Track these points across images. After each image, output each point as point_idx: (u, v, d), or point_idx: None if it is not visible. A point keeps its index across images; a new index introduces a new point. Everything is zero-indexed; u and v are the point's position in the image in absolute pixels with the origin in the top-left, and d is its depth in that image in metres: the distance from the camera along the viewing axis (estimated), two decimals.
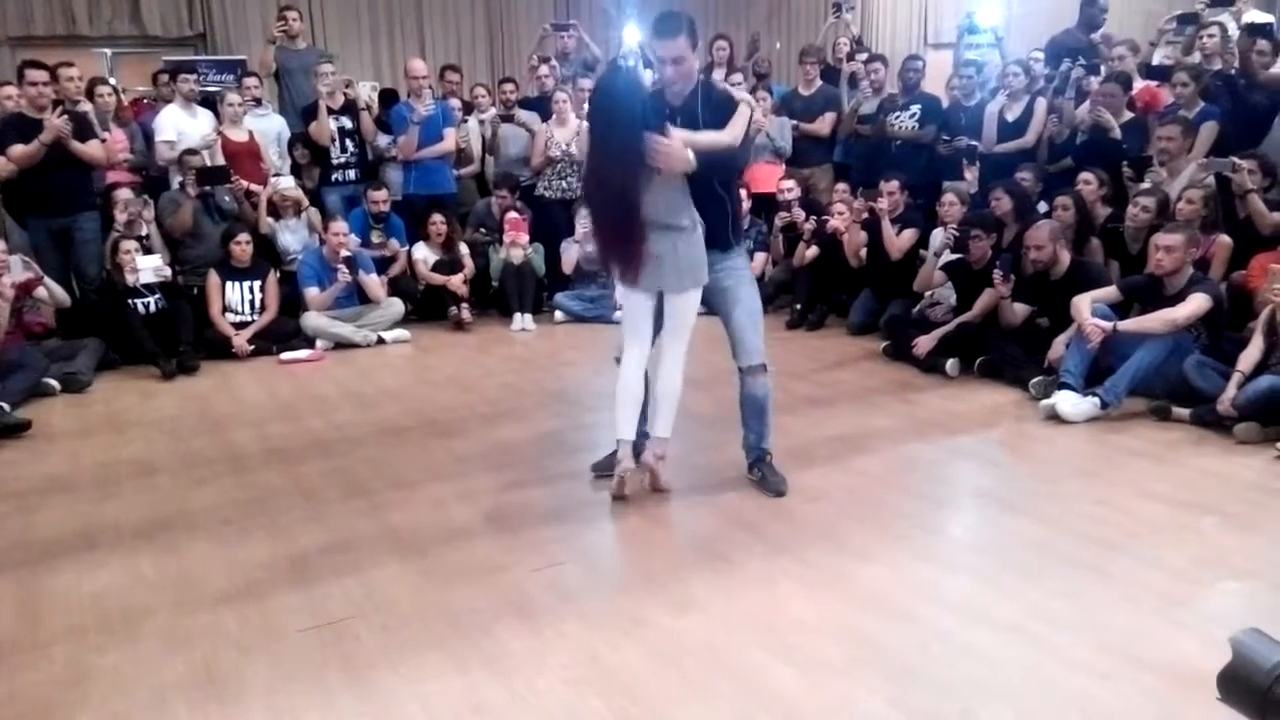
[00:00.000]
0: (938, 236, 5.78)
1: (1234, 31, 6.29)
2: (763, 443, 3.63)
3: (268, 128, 6.97)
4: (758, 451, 3.64)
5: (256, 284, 6.14)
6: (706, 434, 4.08)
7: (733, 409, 3.78)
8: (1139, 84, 6.33)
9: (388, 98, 7.58)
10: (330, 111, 6.78)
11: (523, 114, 7.33)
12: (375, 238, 6.75)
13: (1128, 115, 5.93)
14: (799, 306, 6.50)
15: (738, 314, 3.49)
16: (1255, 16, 6.94)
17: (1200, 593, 2.84)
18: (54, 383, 5.19)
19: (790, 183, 6.77)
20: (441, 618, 2.73)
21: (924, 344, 5.25)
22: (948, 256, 5.57)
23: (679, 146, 3.15)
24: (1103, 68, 6.36)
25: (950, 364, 5.13)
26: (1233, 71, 5.74)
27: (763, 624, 2.66)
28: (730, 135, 3.27)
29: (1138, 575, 2.89)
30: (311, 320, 6.15)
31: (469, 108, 7.61)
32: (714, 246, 3.43)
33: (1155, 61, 6.86)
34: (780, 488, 3.57)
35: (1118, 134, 5.81)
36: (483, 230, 7.13)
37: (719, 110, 3.34)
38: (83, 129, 5.83)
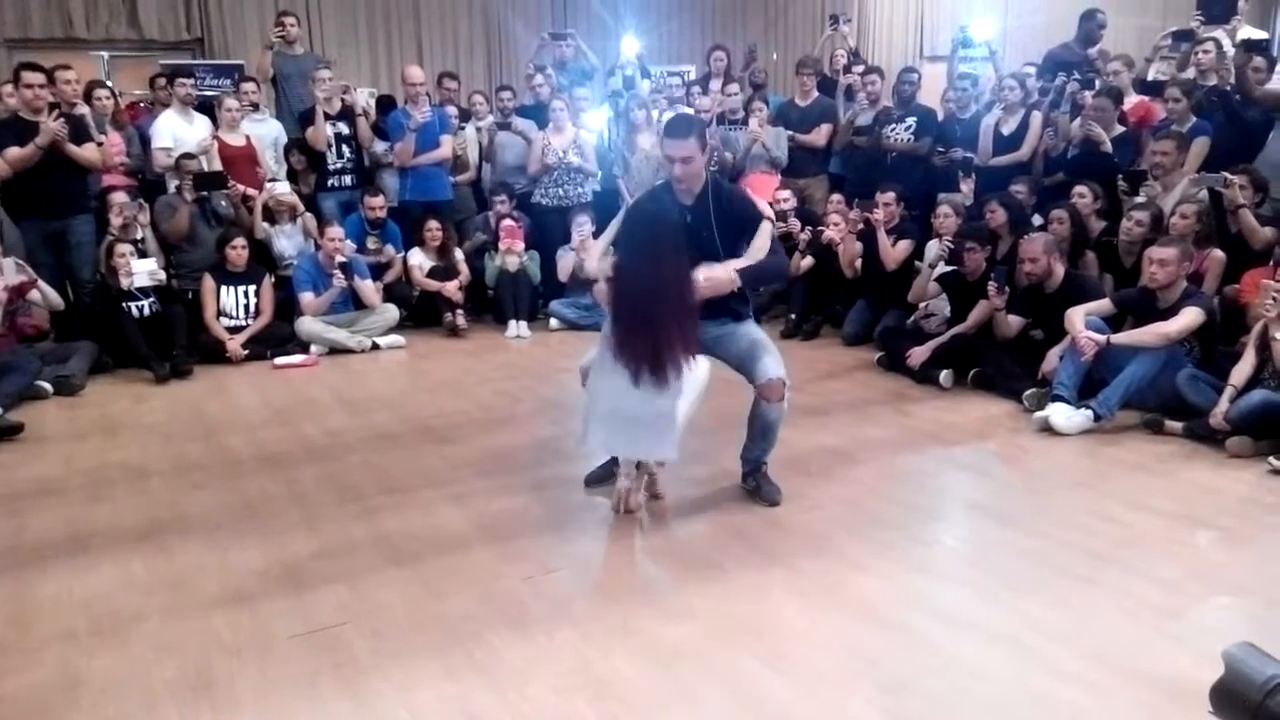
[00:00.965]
0: (932, 248, 5.80)
1: (1229, 48, 6.31)
2: (763, 457, 3.63)
3: (264, 133, 6.98)
4: (754, 462, 3.64)
5: (251, 289, 6.13)
6: (701, 444, 4.07)
7: (728, 420, 3.79)
8: (1131, 99, 6.36)
9: (385, 104, 7.60)
10: (327, 117, 6.79)
11: (520, 122, 7.34)
12: (371, 243, 6.74)
13: (1119, 129, 5.97)
14: (794, 317, 6.52)
15: (750, 346, 3.47)
16: (1250, 33, 6.96)
17: (1193, 606, 2.84)
18: (47, 385, 5.18)
19: (786, 193, 6.80)
20: (434, 624, 2.73)
21: (918, 355, 5.26)
22: (942, 268, 5.59)
23: (723, 274, 3.20)
24: (1097, 82, 6.39)
25: (944, 375, 5.14)
26: (1228, 87, 5.77)
27: (755, 633, 2.66)
28: (753, 260, 3.33)
29: (1130, 588, 2.90)
30: (306, 325, 6.14)
31: (466, 115, 7.61)
32: (727, 316, 3.47)
33: (1150, 77, 6.89)
34: (774, 497, 3.57)
35: (1109, 148, 5.85)
36: (480, 235, 7.14)
37: (732, 208, 3.37)
38: (79, 132, 5.82)
